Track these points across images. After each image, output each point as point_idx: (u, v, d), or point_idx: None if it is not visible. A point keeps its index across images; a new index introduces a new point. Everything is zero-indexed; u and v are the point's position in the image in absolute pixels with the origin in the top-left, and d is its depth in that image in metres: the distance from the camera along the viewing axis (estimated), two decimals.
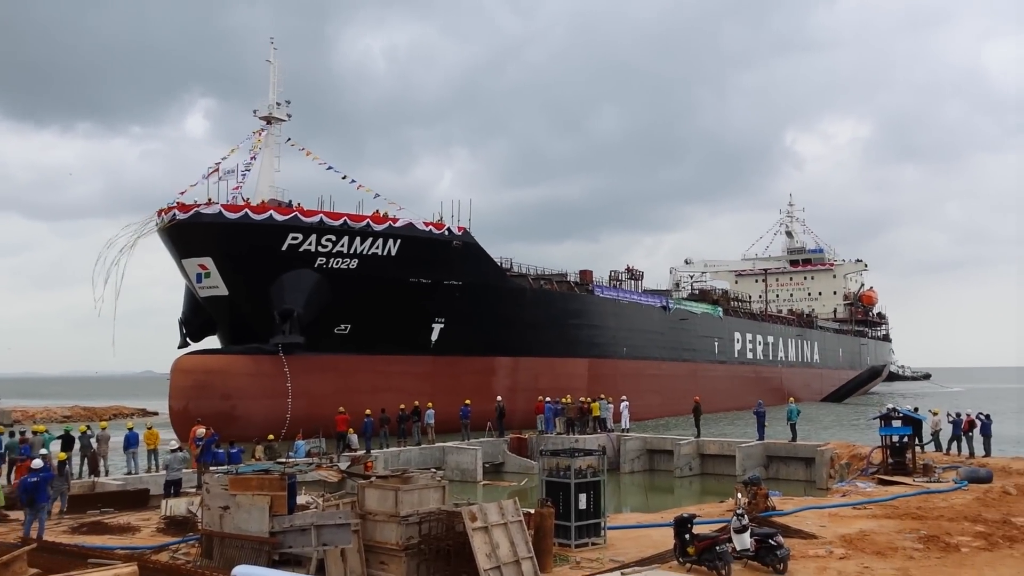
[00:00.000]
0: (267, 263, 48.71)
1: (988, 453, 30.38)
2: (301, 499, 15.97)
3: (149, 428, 31.67)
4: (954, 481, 24.84)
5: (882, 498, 22.56)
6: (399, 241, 51.40)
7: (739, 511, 15.23)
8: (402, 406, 39.73)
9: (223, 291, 49.73)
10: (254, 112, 56.21)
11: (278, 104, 56.12)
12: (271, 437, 31.80)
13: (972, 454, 30.32)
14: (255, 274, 48.69)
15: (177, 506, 20.62)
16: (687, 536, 14.76)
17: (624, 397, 43.05)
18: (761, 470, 33.76)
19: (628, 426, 41.64)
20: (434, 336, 53.43)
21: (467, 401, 41.39)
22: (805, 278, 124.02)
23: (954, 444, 31.41)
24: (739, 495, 18.02)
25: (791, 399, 42.08)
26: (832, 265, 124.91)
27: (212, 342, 54.77)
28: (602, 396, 43.29)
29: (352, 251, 50.45)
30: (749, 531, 14.81)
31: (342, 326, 51.02)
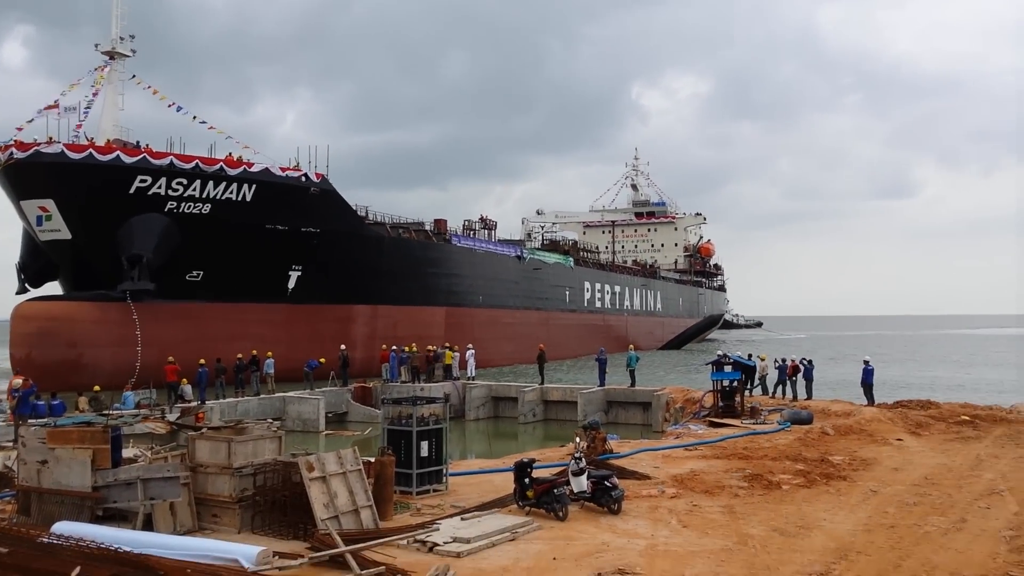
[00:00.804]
0: (113, 206, 45.14)
1: (810, 396, 31.41)
2: (128, 452, 15.29)
3: None
4: (778, 423, 25.53)
5: (712, 439, 23.06)
6: (254, 186, 48.67)
7: (577, 455, 15.10)
8: (239, 355, 36.94)
9: (65, 235, 45.92)
10: (95, 46, 51.86)
11: (121, 39, 51.81)
12: (97, 388, 29.47)
13: (795, 397, 31.32)
14: (100, 218, 45.09)
15: None
16: (527, 480, 14.54)
17: (470, 345, 41.77)
18: (601, 415, 33.89)
19: (474, 374, 40.39)
20: (291, 284, 51.23)
21: (322, 360, 39.76)
22: (649, 230, 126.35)
23: (779, 388, 32.39)
24: (578, 439, 17.97)
25: (631, 346, 42.20)
26: (674, 218, 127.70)
27: (53, 288, 50.65)
28: (447, 345, 42.19)
29: (205, 195, 47.44)
30: (586, 474, 14.73)
31: (194, 272, 48.18)
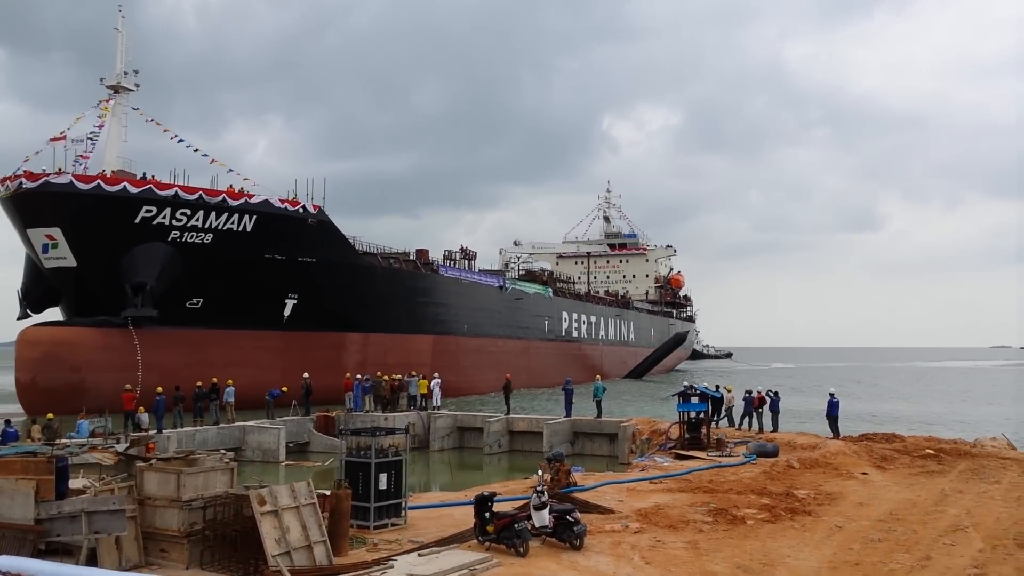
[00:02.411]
0: (119, 235, 43.92)
1: (776, 428, 29.90)
2: (77, 483, 13.67)
3: None
4: (744, 455, 24.12)
5: (677, 472, 21.61)
6: (255, 217, 47.46)
7: (539, 488, 13.81)
8: (199, 383, 33.82)
9: (71, 262, 44.50)
10: (101, 80, 50.81)
11: (125, 73, 50.70)
12: (50, 416, 27.07)
13: (762, 429, 29.71)
14: (105, 246, 43.82)
15: None
16: (487, 514, 13.22)
17: (436, 374, 38.54)
18: (567, 446, 32.02)
19: (439, 403, 37.18)
20: (287, 311, 49.70)
21: (284, 388, 36.56)
22: (621, 261, 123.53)
23: (746, 420, 30.67)
24: (541, 472, 16.59)
25: (597, 377, 39.44)
26: (645, 250, 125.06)
27: (54, 314, 48.91)
28: (413, 373, 38.94)
29: (207, 226, 46.16)
30: (548, 508, 13.44)
31: (194, 300, 46.70)
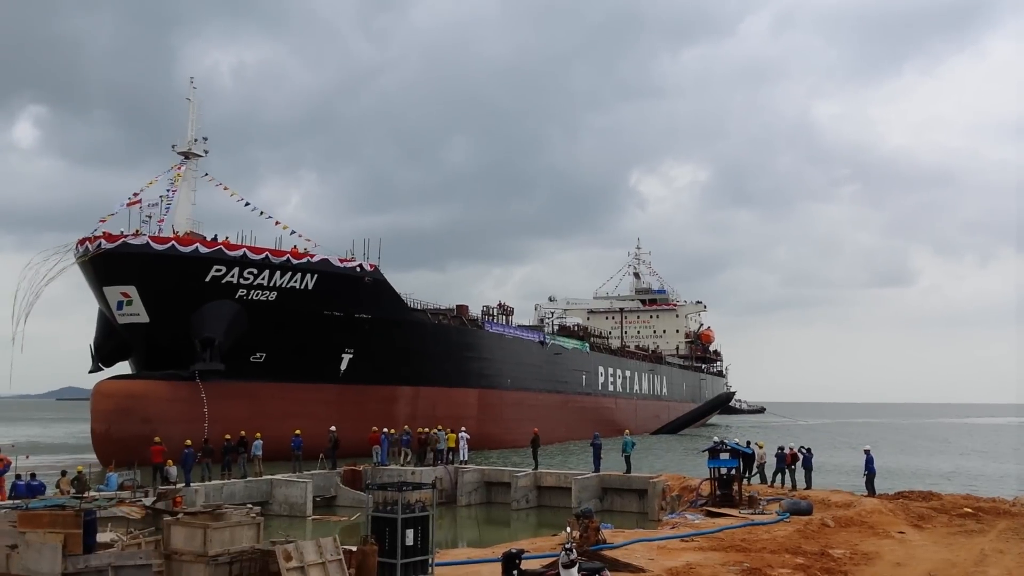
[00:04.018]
0: (190, 293, 47.62)
1: (809, 485, 29.59)
2: (105, 536, 14.15)
3: None
4: (777, 513, 23.99)
5: (709, 530, 21.35)
6: (316, 276, 51.24)
7: (568, 545, 14.02)
8: (227, 436, 34.72)
9: (144, 318, 48.13)
10: (172, 147, 55.21)
11: (195, 140, 55.07)
12: (80, 469, 27.41)
13: (795, 486, 29.58)
14: (177, 303, 47.45)
15: None
16: (515, 572, 13.54)
17: (464, 428, 38.74)
18: (596, 502, 31.71)
19: (466, 457, 37.34)
20: (343, 366, 53.27)
21: (297, 431, 36.96)
22: (651, 316, 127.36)
23: (778, 476, 30.65)
24: (569, 528, 16.97)
25: (626, 431, 39.35)
26: (675, 305, 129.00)
27: (123, 367, 52.72)
28: (440, 427, 38.84)
29: (272, 284, 49.95)
30: (577, 566, 13.44)
31: (258, 354, 50.30)
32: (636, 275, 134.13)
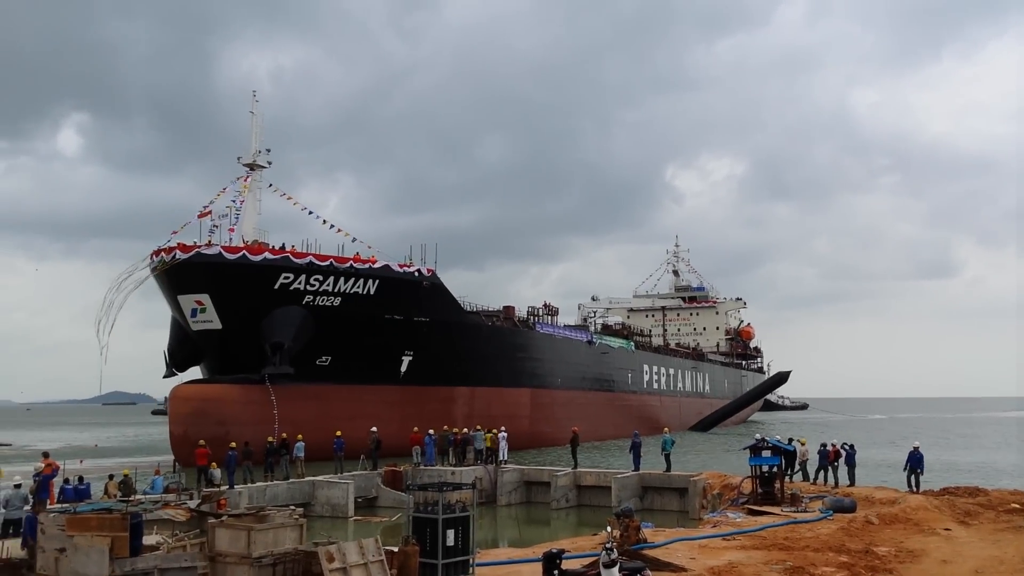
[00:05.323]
0: (260, 300, 50.60)
1: (852, 483, 29.72)
2: (151, 539, 14.80)
3: None
4: (820, 511, 24.03)
5: (751, 528, 21.45)
6: (377, 281, 54.18)
7: (608, 544, 14.24)
8: (270, 438, 35.55)
9: (216, 325, 51.16)
10: (238, 159, 58.26)
11: (259, 151, 58.21)
12: (126, 472, 27.74)
13: (837, 483, 29.79)
14: (248, 309, 50.47)
15: (15, 548, 17.15)
16: (556, 572, 13.90)
17: (503, 428, 39.13)
18: (636, 501, 31.94)
19: (506, 457, 37.56)
20: (403, 368, 56.21)
21: (338, 433, 38.04)
22: (692, 314, 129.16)
23: (821, 474, 30.92)
24: (609, 528, 17.39)
25: (666, 429, 39.80)
26: (715, 302, 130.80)
27: (194, 372, 55.92)
28: (479, 428, 39.38)
29: (336, 290, 52.97)
30: (618, 565, 13.67)
31: (323, 358, 53.33)
32: (675, 272, 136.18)
